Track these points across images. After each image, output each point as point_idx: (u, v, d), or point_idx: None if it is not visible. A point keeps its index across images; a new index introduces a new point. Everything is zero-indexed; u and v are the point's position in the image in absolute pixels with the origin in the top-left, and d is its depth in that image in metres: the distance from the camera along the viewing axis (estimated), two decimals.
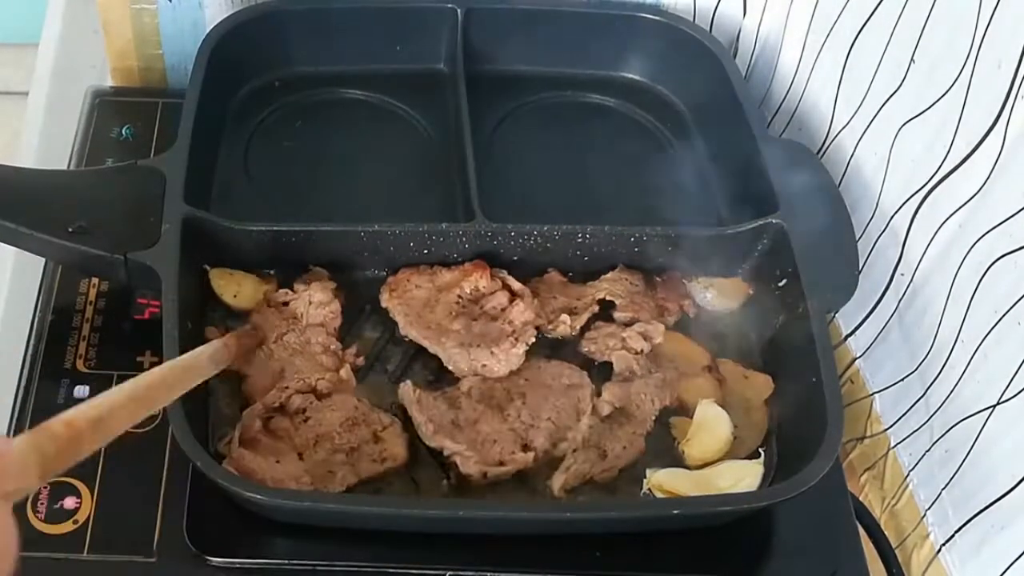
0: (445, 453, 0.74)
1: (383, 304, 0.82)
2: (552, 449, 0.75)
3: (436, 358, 0.80)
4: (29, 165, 0.91)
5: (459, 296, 0.82)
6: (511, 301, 0.82)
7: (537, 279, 0.85)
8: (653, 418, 0.78)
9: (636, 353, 0.80)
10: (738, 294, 0.85)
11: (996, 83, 0.71)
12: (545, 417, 0.76)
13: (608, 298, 0.84)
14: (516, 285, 0.83)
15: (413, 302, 0.82)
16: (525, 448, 0.74)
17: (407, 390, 0.76)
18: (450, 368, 0.79)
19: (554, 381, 0.78)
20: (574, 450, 0.74)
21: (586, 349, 0.82)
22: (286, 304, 0.81)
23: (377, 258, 0.84)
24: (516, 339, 0.79)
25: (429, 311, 0.81)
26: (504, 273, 0.84)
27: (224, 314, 0.81)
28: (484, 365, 0.78)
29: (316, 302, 0.81)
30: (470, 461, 0.73)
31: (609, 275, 0.85)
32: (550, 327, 0.82)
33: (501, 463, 0.73)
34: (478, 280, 0.82)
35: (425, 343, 0.80)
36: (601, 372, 0.81)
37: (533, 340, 0.80)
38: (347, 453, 0.74)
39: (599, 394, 0.78)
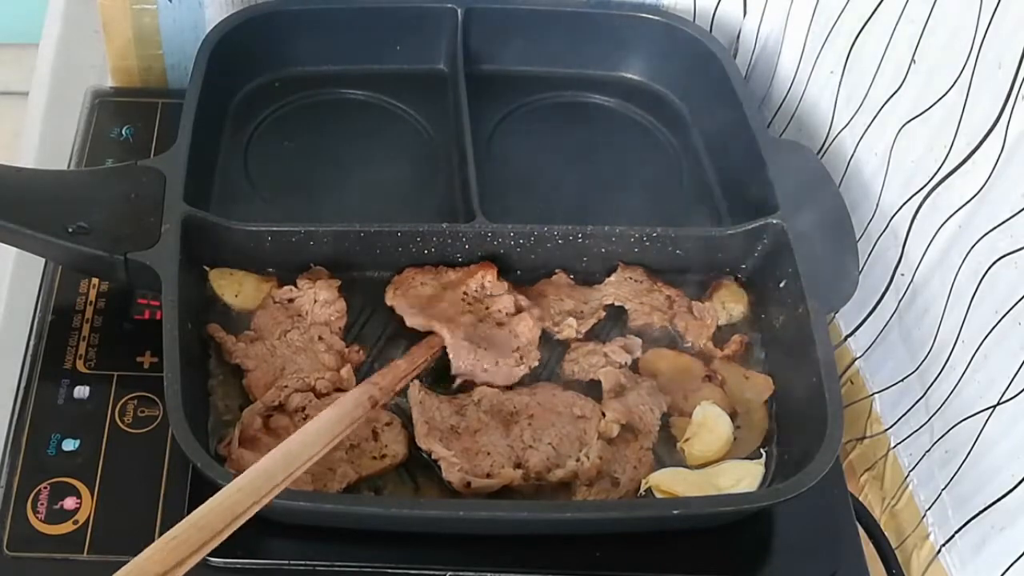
0: (432, 457, 0.74)
1: (388, 302, 0.82)
2: (545, 473, 0.74)
3: (435, 362, 0.80)
4: (29, 165, 0.91)
5: (465, 293, 0.82)
6: (517, 310, 0.82)
7: (545, 280, 0.85)
8: (657, 428, 0.78)
9: (621, 367, 0.80)
10: (740, 301, 0.85)
11: (996, 84, 0.71)
12: (546, 441, 0.75)
13: (616, 303, 0.84)
14: (523, 300, 0.82)
15: (418, 298, 0.82)
16: (517, 466, 0.74)
17: (414, 389, 0.76)
18: (451, 356, 0.78)
19: (565, 409, 0.77)
20: (587, 484, 0.74)
21: (569, 371, 0.81)
22: (291, 301, 0.81)
23: (377, 258, 0.84)
24: (521, 358, 0.79)
25: (434, 305, 0.81)
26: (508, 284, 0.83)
27: (225, 314, 0.81)
28: (485, 369, 0.78)
29: (322, 300, 0.81)
30: (454, 468, 0.73)
31: (612, 278, 0.85)
32: (556, 329, 0.82)
33: (488, 475, 0.73)
34: (484, 278, 0.82)
35: (434, 326, 0.79)
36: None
37: (536, 363, 0.79)
38: (347, 450, 0.74)
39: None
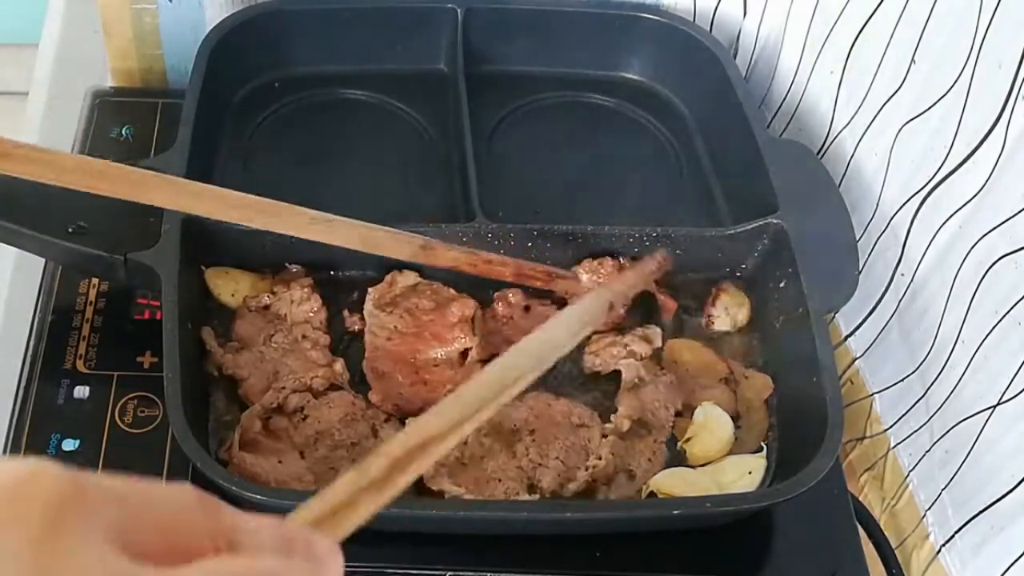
0: (446, 496, 0.72)
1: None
2: (560, 490, 0.73)
3: None
4: None
5: None
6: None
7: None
8: (671, 424, 0.78)
9: (641, 358, 0.80)
10: (744, 305, 0.85)
11: (996, 84, 0.71)
12: (554, 456, 0.74)
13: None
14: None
15: None
16: (531, 488, 0.73)
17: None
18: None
19: (563, 419, 0.76)
20: (605, 483, 0.73)
21: (590, 363, 0.80)
22: (267, 308, 0.81)
23: (377, 259, 0.83)
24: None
25: None
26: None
27: (223, 314, 0.81)
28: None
29: (297, 300, 0.81)
30: None
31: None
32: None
33: None
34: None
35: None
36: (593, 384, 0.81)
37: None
38: (347, 449, 0.74)
39: (614, 411, 0.77)
